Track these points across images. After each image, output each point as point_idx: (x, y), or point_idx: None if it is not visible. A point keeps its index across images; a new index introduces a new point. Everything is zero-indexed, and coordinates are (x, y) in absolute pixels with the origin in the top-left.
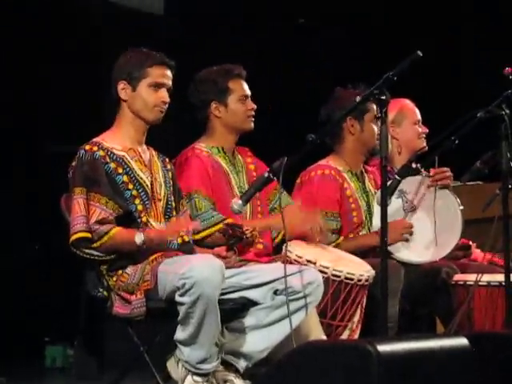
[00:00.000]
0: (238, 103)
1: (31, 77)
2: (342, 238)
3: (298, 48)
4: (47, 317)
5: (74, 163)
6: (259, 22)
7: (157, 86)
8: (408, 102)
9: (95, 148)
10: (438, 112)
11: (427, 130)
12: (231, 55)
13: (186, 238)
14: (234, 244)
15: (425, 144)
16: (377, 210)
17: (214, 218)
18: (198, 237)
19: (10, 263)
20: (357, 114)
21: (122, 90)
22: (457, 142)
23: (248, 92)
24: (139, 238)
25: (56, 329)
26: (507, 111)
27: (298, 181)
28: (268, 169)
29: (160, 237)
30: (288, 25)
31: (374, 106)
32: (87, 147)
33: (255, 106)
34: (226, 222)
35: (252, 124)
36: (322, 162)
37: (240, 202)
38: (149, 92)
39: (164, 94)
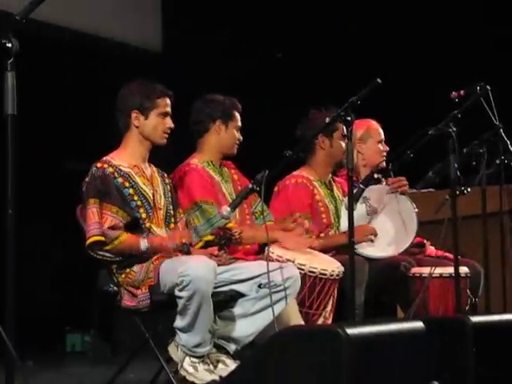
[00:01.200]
0: (234, 130)
1: (53, 109)
2: (313, 237)
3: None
4: (67, 309)
5: (87, 178)
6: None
7: (164, 114)
8: (374, 123)
9: (105, 165)
10: (396, 130)
11: (387, 149)
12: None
13: (184, 240)
14: (225, 244)
15: (384, 161)
16: (344, 213)
17: (224, 222)
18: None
19: (36, 265)
20: (327, 132)
21: (135, 118)
22: (412, 155)
23: (240, 125)
24: (143, 244)
25: (75, 319)
26: (454, 129)
27: (276, 189)
28: (252, 180)
29: (160, 244)
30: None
31: (342, 126)
32: (99, 165)
33: (241, 139)
34: (217, 225)
35: (235, 151)
36: (296, 172)
37: (229, 209)
38: (158, 120)
39: (170, 121)
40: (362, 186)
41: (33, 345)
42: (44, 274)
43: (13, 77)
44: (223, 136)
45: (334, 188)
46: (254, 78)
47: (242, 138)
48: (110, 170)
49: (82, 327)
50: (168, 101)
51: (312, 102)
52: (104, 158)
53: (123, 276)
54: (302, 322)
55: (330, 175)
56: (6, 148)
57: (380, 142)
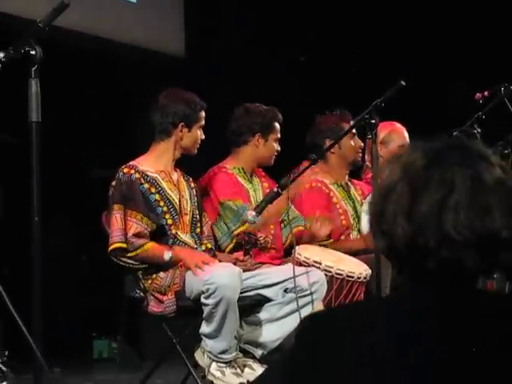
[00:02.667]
0: (273, 143)
1: (80, 117)
2: (331, 240)
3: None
4: (94, 315)
5: (113, 183)
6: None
7: (202, 127)
8: (398, 126)
9: (132, 171)
10: (420, 132)
11: None
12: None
13: (209, 245)
14: (250, 249)
15: None
16: (364, 216)
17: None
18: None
19: (63, 272)
20: (335, 136)
21: (180, 130)
22: None
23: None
24: (168, 255)
25: (102, 325)
26: (479, 130)
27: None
28: (277, 185)
29: (184, 257)
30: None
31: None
32: (125, 170)
33: (279, 149)
34: (240, 230)
35: (272, 162)
36: (319, 178)
37: (254, 213)
38: (198, 133)
39: (203, 134)
40: None
41: (60, 352)
42: (70, 280)
43: (37, 84)
44: (261, 149)
45: (352, 189)
46: (277, 81)
47: (279, 148)
48: (137, 175)
49: (109, 333)
50: (204, 113)
51: (335, 105)
52: (131, 163)
53: (149, 282)
54: None
55: (347, 177)
56: (31, 155)
57: (403, 145)
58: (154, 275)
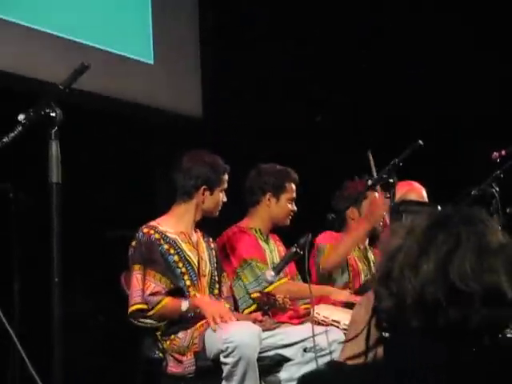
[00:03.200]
0: (286, 203)
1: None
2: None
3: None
4: (110, 377)
5: (133, 243)
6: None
7: (224, 190)
8: (416, 185)
9: (152, 231)
10: (439, 191)
11: None
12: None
13: (228, 306)
14: (269, 309)
15: None
16: None
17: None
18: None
19: (78, 333)
20: (357, 204)
21: (202, 194)
22: None
23: (294, 196)
24: (185, 304)
25: None
26: (497, 189)
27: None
28: (296, 244)
29: (201, 306)
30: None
31: (373, 193)
32: (145, 230)
33: (295, 209)
34: (260, 290)
35: (289, 222)
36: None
37: (273, 273)
38: (220, 196)
39: (225, 196)
40: None
41: None
42: (86, 341)
43: (57, 145)
44: (273, 209)
45: (369, 252)
46: (294, 140)
47: (295, 208)
48: (156, 236)
49: None
50: (227, 176)
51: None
52: (151, 224)
53: (168, 342)
54: None
55: (367, 240)
56: (51, 216)
57: None
58: (173, 336)
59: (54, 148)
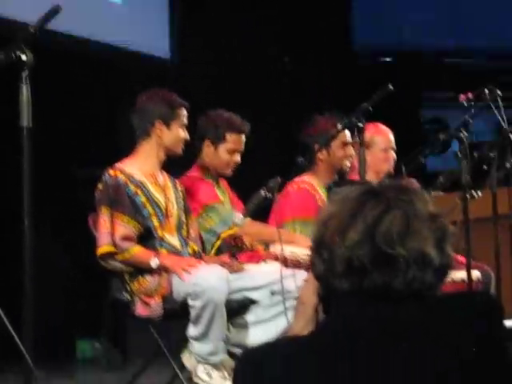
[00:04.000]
0: (226, 152)
1: (62, 114)
2: None
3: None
4: (77, 316)
5: (100, 186)
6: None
7: (183, 126)
8: (382, 128)
9: (118, 173)
10: (407, 135)
11: (393, 156)
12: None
13: (196, 248)
14: (236, 252)
15: (389, 168)
16: None
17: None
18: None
19: (46, 273)
20: (325, 143)
21: (158, 128)
22: (423, 160)
23: (239, 147)
24: (154, 262)
25: (85, 326)
26: (466, 134)
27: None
28: (264, 187)
29: (170, 265)
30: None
31: (344, 133)
32: (111, 172)
33: (239, 161)
34: (228, 233)
35: (230, 172)
36: (298, 178)
37: (241, 216)
38: (179, 131)
39: (187, 133)
40: None
41: (43, 352)
42: (53, 281)
43: (27, 89)
44: (211, 157)
45: None
46: (263, 83)
47: (238, 159)
48: (123, 178)
49: (93, 334)
50: (185, 112)
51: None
52: (117, 165)
53: (136, 285)
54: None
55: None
56: (22, 160)
57: (385, 149)
58: (141, 278)
59: (25, 92)
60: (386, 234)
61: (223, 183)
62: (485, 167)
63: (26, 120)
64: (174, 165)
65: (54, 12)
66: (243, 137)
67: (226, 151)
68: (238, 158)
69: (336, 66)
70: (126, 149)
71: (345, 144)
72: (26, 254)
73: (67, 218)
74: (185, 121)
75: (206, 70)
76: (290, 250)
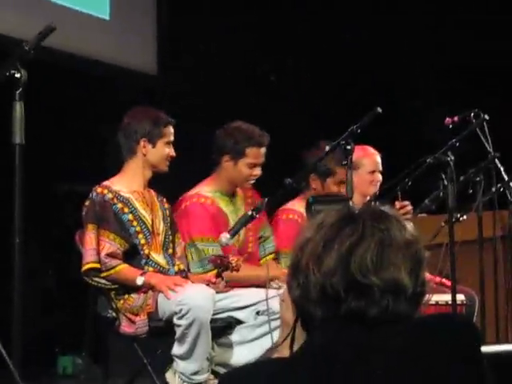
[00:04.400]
0: (246, 168)
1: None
2: None
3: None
4: (59, 332)
5: (87, 203)
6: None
7: (169, 143)
8: (370, 151)
9: (105, 191)
10: (395, 158)
11: (379, 179)
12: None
13: (182, 266)
14: (222, 272)
15: (376, 190)
16: None
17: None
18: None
19: (28, 288)
20: (320, 174)
21: (143, 146)
22: (409, 183)
23: (259, 161)
24: (140, 280)
25: (66, 341)
26: (452, 157)
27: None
28: (252, 208)
29: (156, 283)
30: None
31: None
32: (98, 190)
33: (259, 174)
34: (214, 253)
35: (249, 185)
36: (289, 205)
37: (228, 235)
38: (164, 149)
39: (172, 150)
40: None
41: (24, 366)
42: (35, 296)
43: (21, 107)
44: (231, 172)
45: None
46: (246, 101)
47: (259, 173)
48: (110, 195)
49: (74, 350)
50: (172, 129)
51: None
52: (104, 183)
53: (122, 302)
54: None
55: None
56: (14, 177)
57: (372, 172)
58: (127, 296)
59: (18, 109)
60: (360, 263)
61: (244, 192)
62: (470, 191)
63: (18, 137)
64: (190, 177)
65: (49, 30)
66: (263, 149)
67: (246, 165)
68: (258, 171)
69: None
70: (112, 165)
71: (341, 182)
72: (16, 271)
73: (52, 234)
74: (171, 138)
75: (193, 84)
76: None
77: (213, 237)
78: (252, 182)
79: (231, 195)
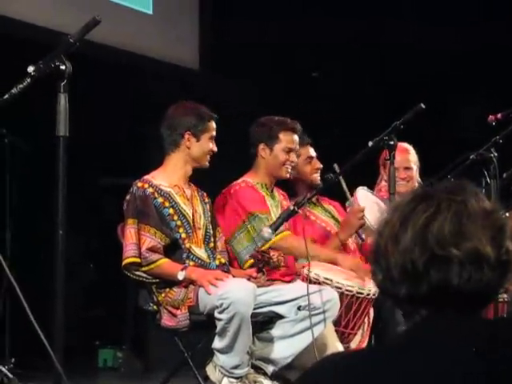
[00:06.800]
0: (281, 152)
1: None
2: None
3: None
4: (100, 324)
5: (128, 197)
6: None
7: (212, 138)
8: (402, 147)
9: (146, 185)
10: (437, 155)
11: (405, 176)
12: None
13: (223, 260)
14: (263, 267)
15: (400, 188)
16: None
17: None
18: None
19: (70, 281)
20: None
21: (188, 140)
22: (452, 180)
23: (294, 146)
24: (181, 275)
25: (107, 334)
26: (495, 154)
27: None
28: (294, 202)
29: (197, 278)
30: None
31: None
32: (139, 184)
33: (296, 161)
34: (256, 248)
35: (288, 173)
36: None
37: (270, 230)
38: (208, 143)
39: (215, 145)
40: None
41: (64, 359)
42: (77, 289)
43: (65, 98)
44: (268, 159)
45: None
46: (289, 96)
47: (295, 159)
48: (151, 190)
49: (115, 343)
50: (215, 124)
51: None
52: (145, 177)
53: (163, 295)
54: (339, 343)
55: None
56: (57, 169)
57: (397, 169)
58: (168, 289)
59: (63, 101)
60: (437, 236)
61: (278, 192)
62: None
63: (62, 129)
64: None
65: (94, 23)
66: (296, 136)
67: (282, 150)
68: (294, 157)
69: None
70: (153, 159)
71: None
72: (58, 263)
73: (94, 227)
74: (214, 133)
75: (235, 79)
76: (315, 272)
77: (267, 211)
78: (289, 169)
79: (271, 191)
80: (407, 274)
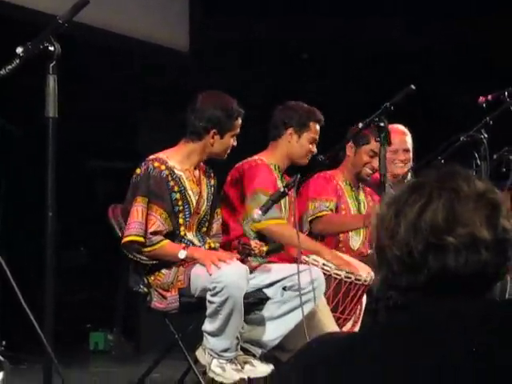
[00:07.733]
0: (308, 141)
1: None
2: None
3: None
4: (91, 307)
5: (140, 174)
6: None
7: (235, 135)
8: (398, 130)
9: (163, 167)
10: (428, 137)
11: (404, 158)
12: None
13: (213, 245)
14: (246, 257)
15: (399, 171)
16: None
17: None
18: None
19: (61, 264)
20: (356, 142)
21: (212, 137)
22: (442, 161)
23: (317, 137)
24: (182, 254)
25: (98, 317)
26: (486, 135)
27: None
28: (283, 184)
29: (200, 257)
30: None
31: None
32: (156, 164)
33: (315, 151)
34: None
35: (306, 161)
36: (329, 172)
37: (260, 212)
38: (230, 140)
39: (235, 141)
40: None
41: (55, 342)
42: (68, 271)
43: (54, 80)
44: (293, 145)
45: (361, 192)
46: (278, 80)
47: (315, 150)
48: (166, 172)
49: (105, 326)
50: (241, 121)
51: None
52: (160, 157)
53: (153, 278)
54: (336, 327)
55: (359, 181)
56: (47, 150)
57: (397, 151)
58: (157, 272)
59: (52, 82)
60: (431, 225)
61: (286, 179)
62: (503, 169)
63: (51, 110)
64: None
65: (83, 4)
66: (319, 127)
67: (308, 140)
68: (315, 148)
69: None
70: (142, 143)
71: (374, 154)
72: (48, 246)
73: (84, 209)
74: (238, 130)
75: (224, 61)
76: (313, 258)
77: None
78: (308, 158)
79: (282, 174)
80: (406, 265)
